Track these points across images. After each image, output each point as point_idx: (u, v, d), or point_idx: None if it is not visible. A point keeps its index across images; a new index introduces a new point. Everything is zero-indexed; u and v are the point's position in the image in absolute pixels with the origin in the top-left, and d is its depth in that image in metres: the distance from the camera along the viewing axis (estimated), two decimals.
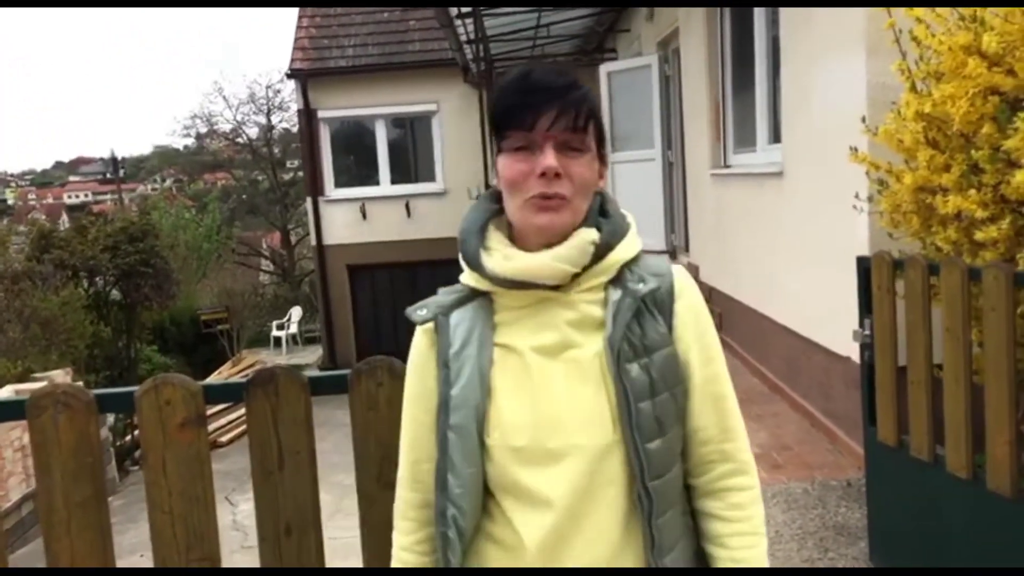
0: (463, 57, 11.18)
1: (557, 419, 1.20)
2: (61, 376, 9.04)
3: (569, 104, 1.20)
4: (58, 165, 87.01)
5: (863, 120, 3.35)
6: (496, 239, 1.27)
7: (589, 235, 1.23)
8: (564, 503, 1.19)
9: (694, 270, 7.09)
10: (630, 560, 1.22)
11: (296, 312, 20.44)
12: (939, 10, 2.77)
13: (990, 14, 2.60)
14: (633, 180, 8.34)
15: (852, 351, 3.66)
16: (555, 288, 1.23)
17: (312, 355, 17.83)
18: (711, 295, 6.50)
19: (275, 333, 19.50)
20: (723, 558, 1.28)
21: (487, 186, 10.86)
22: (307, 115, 14.26)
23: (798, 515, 3.59)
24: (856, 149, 3.26)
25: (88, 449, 1.66)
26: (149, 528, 1.67)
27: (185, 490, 1.66)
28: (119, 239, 13.41)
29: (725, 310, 6.30)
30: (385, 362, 1.67)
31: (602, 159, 1.29)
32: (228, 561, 1.76)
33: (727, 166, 6.43)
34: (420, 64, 14.18)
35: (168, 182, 45.94)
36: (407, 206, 14.49)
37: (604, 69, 8.97)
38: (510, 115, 1.22)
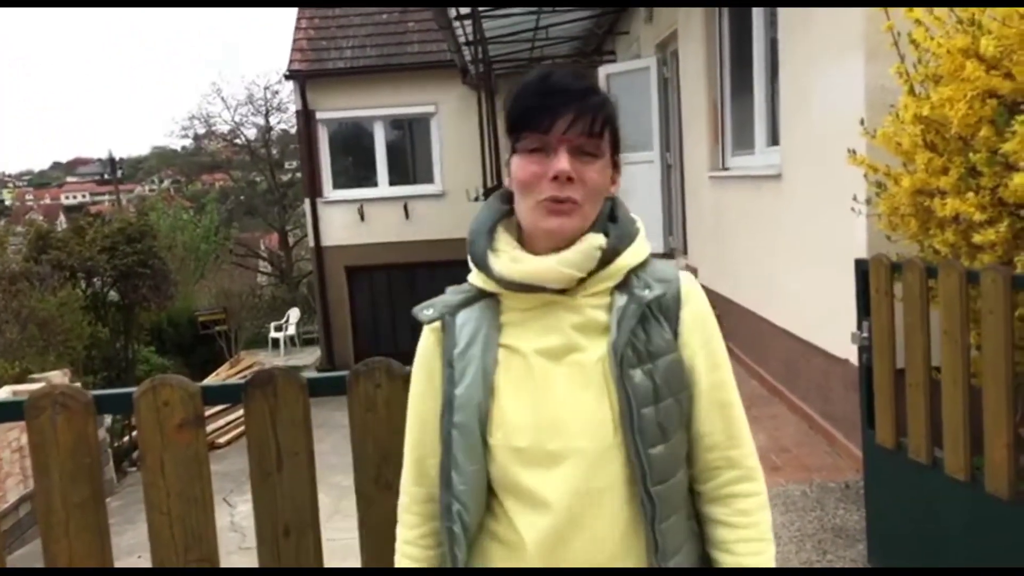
0: (462, 59, 11.18)
1: (558, 422, 1.21)
2: (59, 377, 9.03)
3: (586, 109, 1.20)
4: (56, 166, 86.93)
5: (861, 123, 3.36)
6: (504, 241, 1.27)
7: (596, 240, 1.23)
8: (563, 505, 1.19)
9: (692, 272, 7.07)
10: (632, 563, 1.22)
11: (294, 313, 20.40)
12: (937, 13, 2.77)
13: (988, 18, 2.60)
14: (631, 182, 8.29)
15: (850, 353, 3.66)
16: (561, 292, 1.24)
17: (310, 356, 17.79)
18: (709, 297, 6.49)
19: (273, 334, 19.44)
20: (729, 564, 1.27)
21: (485, 188, 10.90)
22: (305, 116, 14.25)
23: (796, 517, 3.59)
24: (854, 152, 3.27)
25: (86, 450, 1.66)
26: (147, 529, 1.67)
27: (183, 491, 1.66)
28: (117, 240, 13.40)
29: (723, 312, 6.27)
30: (383, 364, 1.68)
31: (616, 166, 1.28)
32: (226, 562, 1.76)
33: (725, 168, 6.43)
34: (419, 66, 14.19)
35: (166, 183, 45.75)
36: (405, 208, 14.48)
37: (603, 71, 8.98)
38: (527, 116, 1.21)
